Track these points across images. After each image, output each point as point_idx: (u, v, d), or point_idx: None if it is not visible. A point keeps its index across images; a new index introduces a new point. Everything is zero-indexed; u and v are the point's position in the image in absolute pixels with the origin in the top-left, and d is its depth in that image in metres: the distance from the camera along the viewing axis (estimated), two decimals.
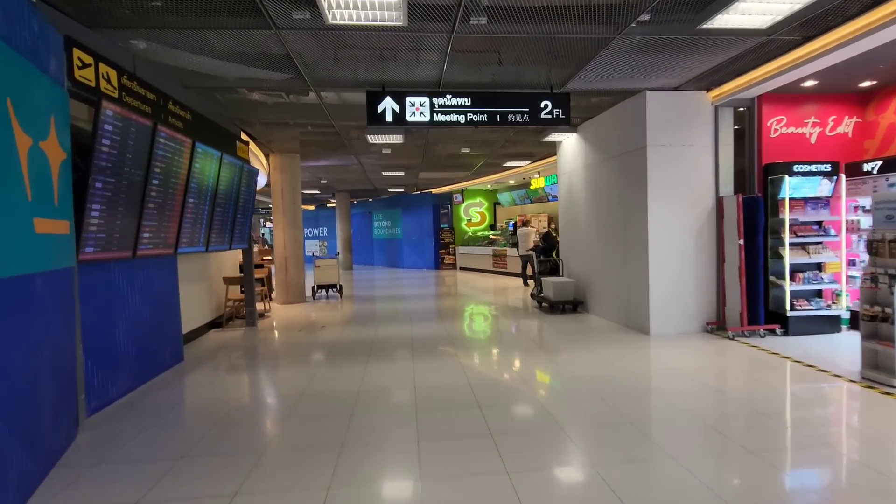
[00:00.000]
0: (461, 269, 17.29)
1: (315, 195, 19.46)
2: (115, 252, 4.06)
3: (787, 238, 5.85)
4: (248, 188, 7.19)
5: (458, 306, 9.39)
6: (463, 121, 5.71)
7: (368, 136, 7.76)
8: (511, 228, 15.93)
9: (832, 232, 6.04)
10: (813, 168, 5.90)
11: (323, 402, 4.09)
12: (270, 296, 10.34)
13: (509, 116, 5.77)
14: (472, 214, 18.44)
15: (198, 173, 5.41)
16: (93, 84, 3.76)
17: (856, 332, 5.85)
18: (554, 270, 9.26)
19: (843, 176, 5.93)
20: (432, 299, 10.47)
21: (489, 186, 17.30)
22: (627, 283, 6.71)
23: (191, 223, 5.42)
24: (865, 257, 5.99)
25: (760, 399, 3.88)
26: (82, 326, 3.71)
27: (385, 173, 13.51)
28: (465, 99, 5.69)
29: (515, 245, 13.15)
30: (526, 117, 5.80)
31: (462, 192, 18.04)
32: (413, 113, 5.62)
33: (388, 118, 5.58)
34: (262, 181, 11.57)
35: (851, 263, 6.08)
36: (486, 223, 18.36)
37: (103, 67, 3.89)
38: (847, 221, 5.99)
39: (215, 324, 7.53)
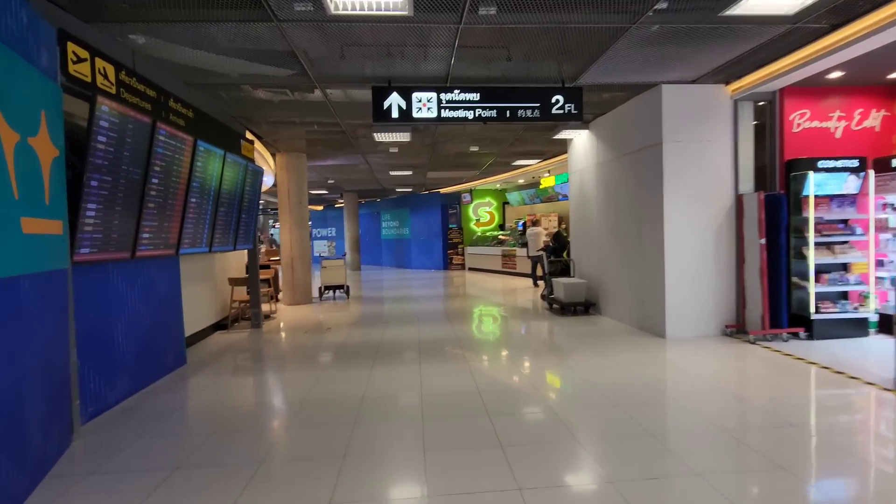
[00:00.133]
0: (470, 269, 17.09)
1: (323, 195, 19.39)
2: (113, 253, 3.94)
3: (811, 237, 5.59)
4: (253, 188, 7.07)
5: (467, 307, 9.21)
6: (471, 117, 5.52)
7: (375, 135, 7.64)
8: (520, 228, 15.71)
9: (859, 231, 5.76)
10: (839, 164, 5.63)
11: (326, 408, 3.93)
12: (277, 297, 10.24)
13: (519, 112, 5.58)
14: (481, 214, 18.25)
15: (200, 172, 5.29)
16: (88, 79, 3.63)
17: (886, 336, 5.60)
18: (565, 271, 9.05)
19: (871, 172, 5.65)
20: (440, 300, 10.30)
21: (498, 186, 17.09)
22: (642, 285, 6.48)
23: (193, 223, 5.29)
24: (895, 257, 5.73)
25: (788, 408, 3.65)
26: (78, 330, 3.59)
27: (393, 173, 13.37)
28: (474, 94, 5.51)
29: (525, 245, 12.93)
30: (537, 113, 5.60)
31: (471, 191, 17.85)
32: (420, 109, 5.45)
33: (395, 114, 5.41)
34: (269, 181, 11.50)
35: (879, 264, 5.80)
36: (496, 223, 18.15)
37: (100, 62, 3.76)
38: (875, 220, 5.70)
39: (220, 325, 7.43)
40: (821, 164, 5.63)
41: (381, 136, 7.70)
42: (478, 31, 4.43)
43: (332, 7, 3.74)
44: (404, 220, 20.03)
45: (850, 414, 3.65)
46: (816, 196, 5.63)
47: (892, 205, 5.70)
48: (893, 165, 5.59)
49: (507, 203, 17.78)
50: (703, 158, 5.99)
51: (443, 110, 5.48)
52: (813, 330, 5.60)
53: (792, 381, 4.30)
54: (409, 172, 13.38)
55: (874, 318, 5.72)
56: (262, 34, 4.29)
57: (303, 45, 4.58)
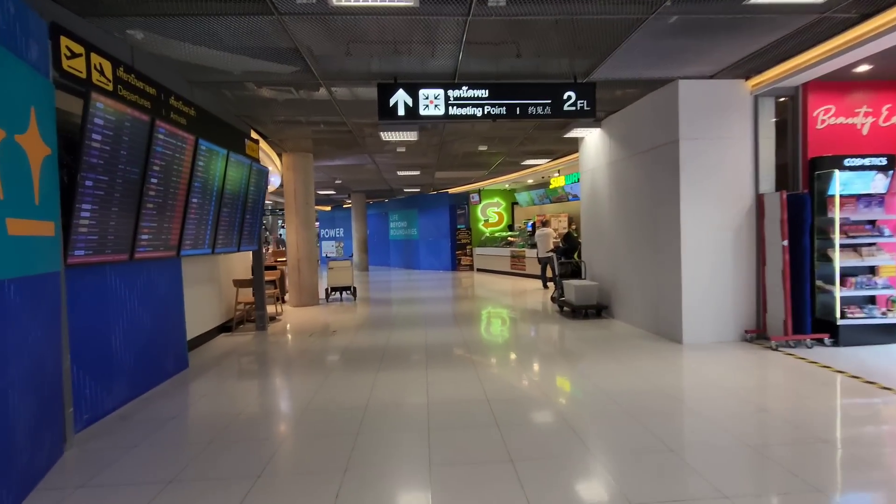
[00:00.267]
0: (478, 270, 16.90)
1: (331, 196, 19.32)
2: (110, 255, 3.82)
3: (836, 239, 5.33)
4: (258, 188, 6.95)
5: (476, 310, 9.02)
6: (480, 114, 5.34)
7: (382, 134, 7.48)
8: (529, 229, 15.49)
9: (887, 232, 5.49)
10: (867, 161, 5.37)
11: (328, 417, 3.77)
12: (283, 298, 10.13)
13: (530, 109, 5.38)
14: (490, 215, 18.04)
15: (202, 172, 5.17)
16: (84, 75, 3.51)
17: None
18: (575, 273, 8.83)
19: None
20: (448, 302, 10.12)
21: (507, 186, 16.88)
22: (657, 287, 6.25)
23: (195, 224, 5.17)
24: None
25: (819, 422, 3.43)
26: (73, 335, 3.47)
27: (400, 173, 13.22)
28: (483, 90, 5.33)
29: (534, 246, 12.72)
30: (548, 110, 5.40)
31: (479, 191, 17.65)
32: (427, 106, 5.28)
33: (401, 112, 5.25)
34: (276, 182, 11.41)
35: None
36: (504, 223, 17.93)
37: (96, 58, 3.64)
38: None
39: (225, 328, 7.32)
40: (847, 161, 5.38)
41: (387, 136, 7.55)
42: (486, 25, 4.26)
43: None
44: (412, 220, 19.88)
45: (887, 428, 3.41)
46: (842, 196, 5.37)
47: None
48: None
49: (516, 203, 17.55)
50: (722, 156, 5.75)
51: (450, 107, 5.30)
52: (839, 336, 5.34)
53: (820, 392, 4.06)
54: (417, 172, 13.23)
55: None
56: (264, 28, 4.15)
57: (306, 40, 4.43)
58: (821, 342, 5.43)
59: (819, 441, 3.12)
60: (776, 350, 5.31)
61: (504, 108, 5.35)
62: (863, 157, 5.41)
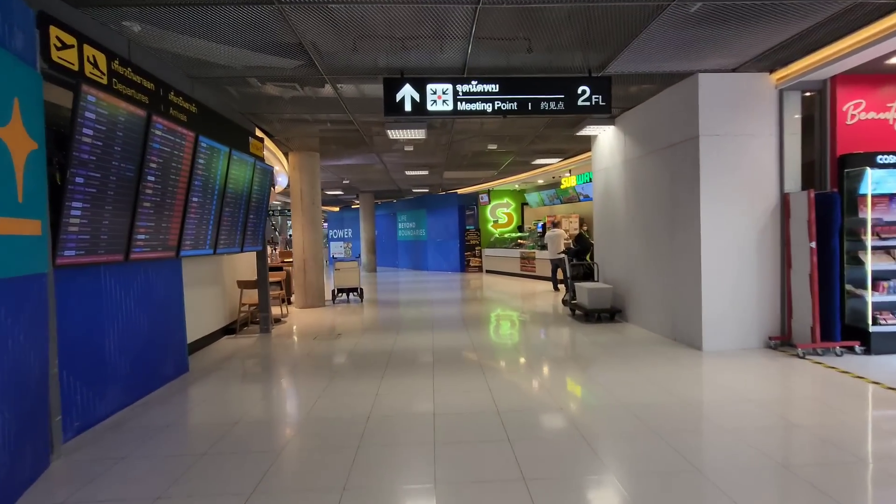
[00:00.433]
0: (487, 271, 16.66)
1: (339, 196, 19.20)
2: (103, 255, 3.66)
3: (868, 240, 5.03)
4: (262, 187, 6.80)
5: (485, 312, 8.79)
6: (490, 109, 5.12)
7: (389, 132, 7.29)
8: (539, 230, 15.23)
9: None
10: None
11: (328, 428, 3.58)
12: (289, 299, 9.99)
13: (542, 104, 5.15)
14: (499, 215, 17.79)
15: (203, 170, 5.02)
16: (76, 68, 3.36)
17: None
18: (588, 275, 8.56)
19: None
20: (457, 304, 9.90)
21: (516, 186, 16.62)
22: (675, 291, 5.98)
23: (195, 224, 5.02)
24: None
25: (855, 438, 3.16)
26: (64, 339, 3.32)
27: (408, 172, 13.04)
28: (493, 85, 5.11)
29: (544, 247, 12.46)
30: (561, 105, 5.17)
31: (488, 192, 17.42)
32: (434, 101, 5.07)
33: (407, 107, 5.05)
34: (283, 182, 11.29)
35: None
36: (514, 224, 17.67)
37: (89, 50, 3.49)
38: None
39: (229, 330, 7.17)
40: (880, 158, 5.07)
41: (395, 134, 7.35)
42: (497, 16, 4.04)
43: None
44: (421, 221, 19.70)
45: None
46: (874, 195, 5.07)
47: None
48: None
49: (526, 204, 17.29)
50: (745, 154, 5.47)
51: (459, 103, 5.09)
52: (870, 343, 5.03)
53: (855, 405, 3.78)
54: (426, 172, 13.03)
55: None
56: (265, 19, 3.98)
57: (308, 32, 4.25)
58: (851, 350, 5.12)
59: (858, 460, 2.86)
60: (803, 358, 5.02)
61: (515, 103, 5.13)
62: None
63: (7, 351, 2.57)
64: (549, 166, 12.44)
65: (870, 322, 5.03)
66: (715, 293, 5.43)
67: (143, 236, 4.12)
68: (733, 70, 5.45)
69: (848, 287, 5.21)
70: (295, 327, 7.69)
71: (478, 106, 5.11)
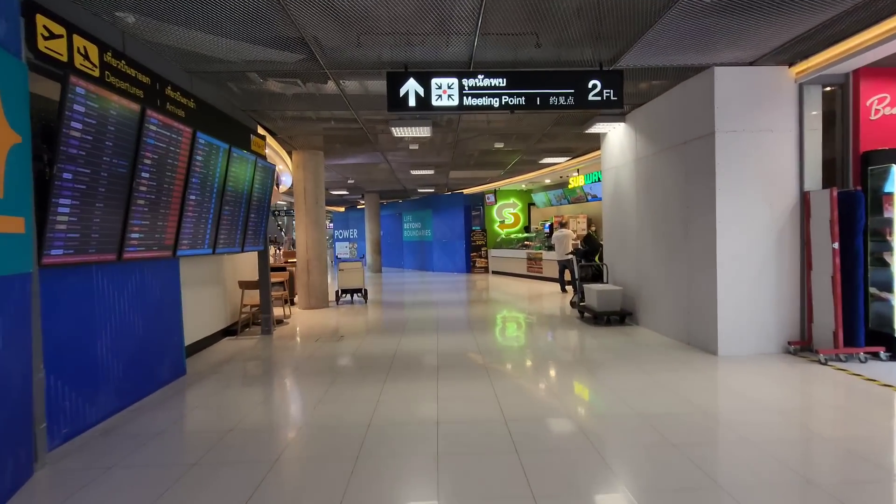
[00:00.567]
0: (494, 273, 16.46)
1: (344, 196, 19.09)
2: (94, 255, 3.52)
3: (894, 241, 4.79)
4: (263, 185, 6.66)
5: (491, 314, 8.60)
6: (497, 104, 4.94)
7: (393, 130, 7.13)
8: (547, 230, 15.01)
9: None
10: None
11: (326, 437, 3.41)
12: (292, 300, 9.86)
13: (551, 99, 4.97)
14: (506, 216, 17.59)
15: (201, 167, 4.88)
16: (64, 59, 3.22)
17: None
18: (597, 276, 8.35)
19: None
20: (462, 306, 9.71)
21: (523, 186, 16.42)
22: (689, 293, 5.76)
23: (192, 223, 4.88)
24: None
25: (892, 453, 2.94)
26: (51, 342, 3.19)
27: (414, 172, 12.87)
28: (500, 79, 4.93)
29: (552, 248, 12.24)
30: (571, 100, 4.97)
31: (495, 192, 17.22)
32: (440, 96, 4.90)
33: (412, 102, 4.88)
34: (288, 181, 11.16)
35: None
36: (521, 225, 17.46)
37: (79, 41, 3.35)
38: None
39: (230, 331, 7.04)
40: None
41: (399, 132, 7.18)
42: (503, 10, 3.87)
43: None
44: (426, 221, 19.53)
45: None
46: None
47: None
48: None
49: (533, 204, 17.08)
50: (763, 150, 5.25)
51: (465, 98, 4.92)
52: None
53: (884, 414, 3.56)
54: (431, 172, 12.87)
55: None
56: (262, 10, 3.82)
57: (309, 25, 4.09)
58: (875, 356, 4.89)
59: (891, 477, 2.64)
60: (825, 364, 4.79)
61: (523, 98, 4.94)
62: None
63: None
64: (557, 165, 12.23)
65: (895, 327, 4.79)
66: (731, 296, 5.21)
67: (137, 235, 3.98)
68: (750, 63, 5.23)
69: (872, 290, 4.97)
70: (297, 329, 7.55)
71: (484, 101, 4.93)
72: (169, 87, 4.47)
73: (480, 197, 17.56)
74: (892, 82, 5.11)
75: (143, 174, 3.95)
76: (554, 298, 10.37)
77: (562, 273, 11.23)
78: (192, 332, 5.70)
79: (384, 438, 3.32)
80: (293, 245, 17.91)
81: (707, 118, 5.30)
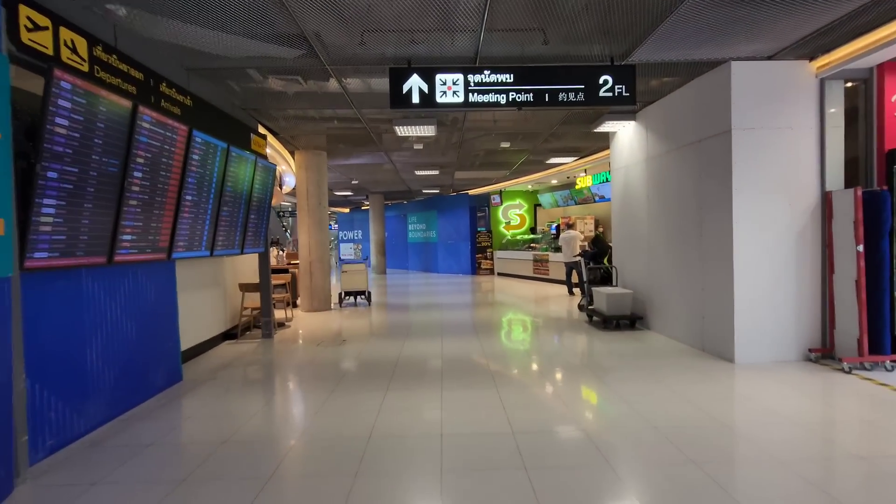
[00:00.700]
0: (499, 274, 16.25)
1: (348, 197, 18.96)
2: (82, 258, 3.36)
3: None
4: (264, 186, 6.50)
5: (497, 318, 8.40)
6: (504, 101, 4.76)
7: (397, 129, 6.97)
8: (553, 232, 14.79)
9: None
10: None
11: (325, 449, 3.23)
12: (295, 303, 9.71)
13: (560, 95, 4.77)
14: (512, 217, 17.37)
15: (197, 167, 4.72)
16: (50, 52, 3.07)
17: None
18: (605, 279, 8.14)
19: None
20: (468, 309, 9.52)
21: (529, 187, 16.20)
22: (703, 297, 5.54)
23: (189, 224, 4.73)
24: None
25: None
26: (36, 350, 3.04)
27: (419, 172, 12.71)
28: (507, 75, 4.74)
29: (558, 250, 12.03)
30: (581, 96, 4.78)
31: (500, 192, 17.01)
32: (444, 93, 4.72)
33: (415, 99, 4.71)
34: (292, 182, 11.01)
35: None
36: (527, 226, 17.24)
37: (66, 33, 3.20)
38: None
39: (230, 335, 6.89)
40: None
41: (403, 131, 7.02)
42: (509, 5, 3.70)
43: None
44: (431, 222, 19.36)
45: None
46: None
47: None
48: None
49: (539, 205, 16.86)
50: (782, 149, 5.02)
51: (471, 94, 4.74)
52: None
53: None
54: (436, 172, 12.69)
55: None
56: (259, 2, 3.66)
57: (309, 20, 3.93)
58: None
59: None
60: (849, 373, 4.56)
61: (531, 94, 4.75)
62: None
63: None
64: (564, 166, 12.02)
65: None
66: (748, 300, 4.99)
67: (129, 237, 3.82)
68: (769, 58, 5.02)
69: None
70: (299, 332, 7.39)
71: (491, 97, 4.75)
72: (164, 84, 4.32)
73: (486, 198, 17.37)
74: None
75: (136, 173, 3.80)
76: (561, 301, 10.16)
77: (569, 275, 11.02)
78: (190, 336, 5.55)
79: (385, 452, 3.14)
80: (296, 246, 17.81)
81: (723, 115, 5.08)
